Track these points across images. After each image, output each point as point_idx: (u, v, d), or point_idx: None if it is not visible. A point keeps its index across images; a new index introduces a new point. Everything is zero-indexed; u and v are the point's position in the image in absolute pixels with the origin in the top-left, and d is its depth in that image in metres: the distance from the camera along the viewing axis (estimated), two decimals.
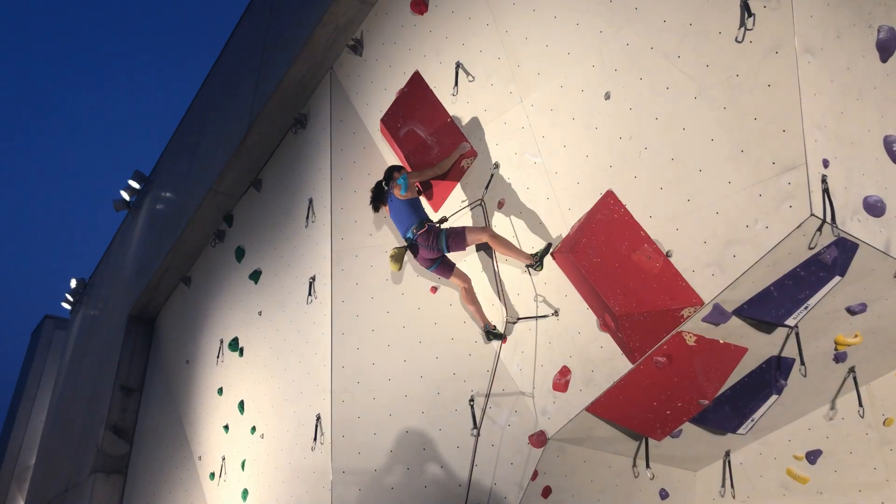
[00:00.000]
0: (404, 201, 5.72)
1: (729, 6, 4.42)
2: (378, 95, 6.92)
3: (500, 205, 5.80)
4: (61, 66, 75.14)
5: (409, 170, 6.08)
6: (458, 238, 5.50)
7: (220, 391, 8.85)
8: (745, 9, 4.30)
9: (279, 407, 7.39)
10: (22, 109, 74.22)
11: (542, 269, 5.42)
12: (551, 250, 5.36)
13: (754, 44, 4.29)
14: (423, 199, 6.15)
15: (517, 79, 5.67)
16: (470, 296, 5.80)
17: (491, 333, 5.72)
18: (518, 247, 5.55)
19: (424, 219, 5.67)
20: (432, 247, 5.53)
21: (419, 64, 6.48)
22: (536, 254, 5.40)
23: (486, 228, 5.60)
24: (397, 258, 5.65)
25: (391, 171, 5.90)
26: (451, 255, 5.85)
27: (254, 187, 9.15)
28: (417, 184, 5.97)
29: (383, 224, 6.67)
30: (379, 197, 5.91)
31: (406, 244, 5.68)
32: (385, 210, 6.03)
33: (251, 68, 9.12)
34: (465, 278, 5.83)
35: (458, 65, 6.15)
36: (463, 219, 6.05)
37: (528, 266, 5.48)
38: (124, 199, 14.20)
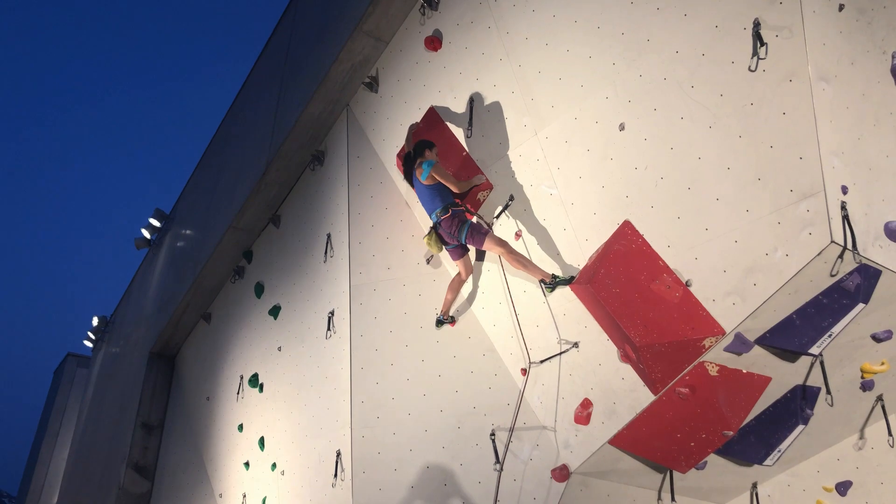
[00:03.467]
0: (427, 187, 5.94)
1: (741, 36, 4.45)
2: (394, 131, 7.00)
3: (517, 236, 5.81)
4: (84, 108, 76.70)
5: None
6: (478, 237, 5.72)
7: (241, 427, 8.84)
8: (758, 38, 4.33)
9: (299, 443, 7.36)
10: (44, 150, 75.70)
11: (552, 292, 5.46)
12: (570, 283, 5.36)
13: (768, 72, 4.30)
14: None
15: (531, 112, 5.72)
16: (458, 286, 6.16)
17: (442, 322, 6.24)
18: (535, 264, 5.57)
19: (449, 204, 5.88)
20: (452, 234, 5.82)
21: (434, 100, 6.56)
22: (556, 277, 5.41)
23: (506, 243, 5.68)
24: (432, 240, 5.96)
25: (423, 147, 6.05)
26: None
27: (273, 224, 9.23)
28: (435, 176, 5.98)
29: (401, 257, 6.69)
30: (409, 172, 6.07)
31: (433, 227, 5.95)
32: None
33: (269, 107, 9.27)
34: (468, 270, 6.12)
35: (472, 99, 6.21)
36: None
37: (541, 282, 5.50)
38: (145, 238, 14.39)
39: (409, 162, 6.13)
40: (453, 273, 6.33)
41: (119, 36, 77.67)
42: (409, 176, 6.16)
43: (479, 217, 6.03)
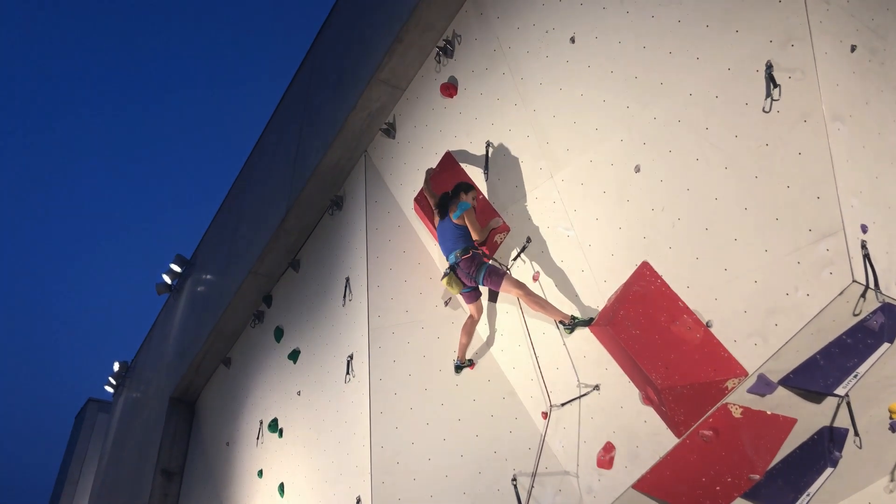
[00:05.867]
0: (454, 226, 5.93)
1: (754, 78, 4.49)
2: (411, 176, 7.09)
3: (535, 278, 5.81)
4: (103, 155, 78.31)
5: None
6: (495, 279, 5.71)
7: (261, 473, 8.79)
8: (771, 80, 4.37)
9: (319, 489, 7.31)
10: (66, 197, 77.14)
11: (571, 333, 5.47)
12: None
13: (782, 113, 4.33)
14: None
15: (547, 155, 5.77)
16: (471, 328, 6.16)
17: (460, 367, 6.20)
18: (554, 306, 5.56)
19: (470, 246, 5.88)
20: (471, 275, 5.81)
21: (450, 144, 6.65)
22: (575, 319, 5.39)
23: (524, 285, 5.67)
24: (451, 282, 5.94)
25: (459, 189, 6.07)
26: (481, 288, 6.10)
27: (292, 268, 9.31)
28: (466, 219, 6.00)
29: (420, 300, 6.71)
30: (444, 205, 6.04)
31: (449, 268, 5.93)
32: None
33: (288, 153, 9.43)
34: (479, 311, 6.15)
35: (488, 144, 6.29)
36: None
37: (559, 323, 5.51)
38: (166, 283, 14.52)
39: (444, 199, 6.10)
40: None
41: (140, 81, 79.71)
42: (443, 211, 6.05)
43: (496, 261, 6.05)
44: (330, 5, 9.37)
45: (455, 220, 5.92)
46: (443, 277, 5.99)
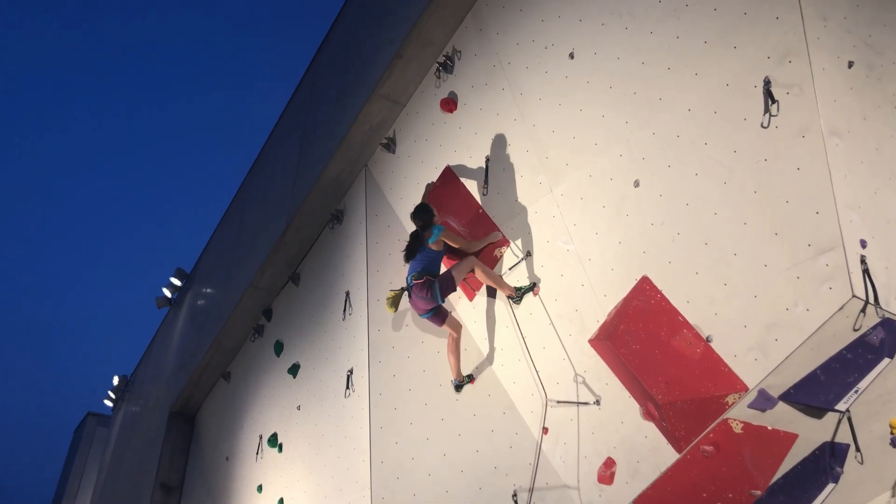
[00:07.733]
0: (428, 251, 5.89)
1: (752, 93, 4.51)
2: (411, 190, 7.11)
3: (535, 292, 5.82)
4: (103, 167, 78.46)
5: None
6: (448, 283, 5.76)
7: (260, 489, 8.76)
8: (769, 96, 4.39)
9: None
10: (66, 210, 77.26)
11: (520, 303, 5.72)
12: (527, 291, 5.72)
13: (780, 129, 4.35)
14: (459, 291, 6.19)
15: (546, 170, 5.79)
16: (455, 347, 6.06)
17: (460, 386, 6.09)
18: (503, 280, 5.83)
19: (427, 272, 5.82)
20: (427, 298, 5.77)
21: (450, 159, 6.67)
22: (520, 289, 5.71)
23: (471, 260, 5.80)
24: (393, 301, 5.96)
25: (427, 215, 5.98)
26: (446, 305, 6.06)
27: (292, 282, 9.32)
28: (445, 240, 6.00)
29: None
30: (415, 245, 5.95)
31: (404, 288, 5.93)
32: None
33: (289, 167, 9.46)
34: (457, 327, 6.09)
35: (488, 158, 6.31)
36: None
37: (508, 297, 5.77)
38: (166, 296, 14.52)
39: (416, 239, 6.00)
40: (463, 331, 6.25)
41: (143, 92, 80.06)
42: (413, 252, 5.95)
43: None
44: (331, 20, 9.43)
45: (432, 245, 5.88)
46: (391, 290, 5.95)
